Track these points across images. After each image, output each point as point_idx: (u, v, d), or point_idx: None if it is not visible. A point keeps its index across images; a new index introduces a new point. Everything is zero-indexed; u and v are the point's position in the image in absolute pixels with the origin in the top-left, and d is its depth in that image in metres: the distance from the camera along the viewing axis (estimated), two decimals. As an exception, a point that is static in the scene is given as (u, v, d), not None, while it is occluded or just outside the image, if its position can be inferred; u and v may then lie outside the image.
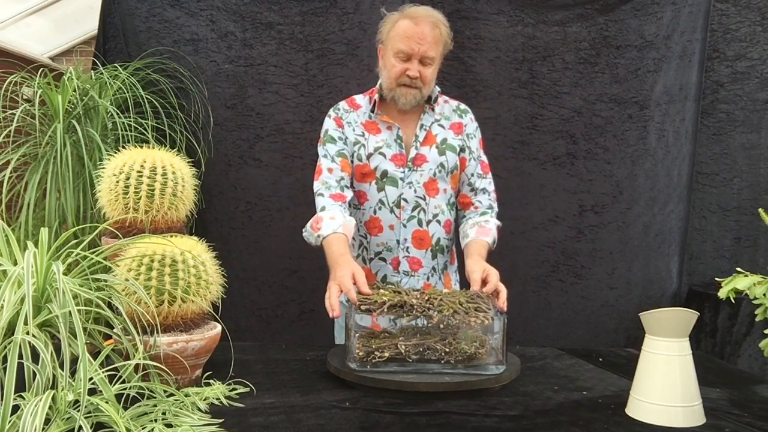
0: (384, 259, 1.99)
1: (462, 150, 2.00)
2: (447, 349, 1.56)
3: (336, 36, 2.75)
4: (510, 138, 2.81)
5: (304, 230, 1.91)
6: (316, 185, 1.94)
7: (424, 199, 1.96)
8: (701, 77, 2.83)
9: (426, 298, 1.62)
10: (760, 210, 1.46)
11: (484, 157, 2.06)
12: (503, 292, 1.68)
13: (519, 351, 1.92)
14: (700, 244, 2.93)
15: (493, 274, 1.70)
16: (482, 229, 1.95)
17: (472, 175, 2.02)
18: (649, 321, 1.39)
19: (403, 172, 1.95)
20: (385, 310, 1.56)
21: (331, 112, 2.03)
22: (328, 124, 2.01)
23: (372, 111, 1.99)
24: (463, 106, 2.07)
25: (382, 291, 1.66)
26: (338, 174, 1.93)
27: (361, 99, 2.05)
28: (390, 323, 1.68)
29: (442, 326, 1.62)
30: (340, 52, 2.76)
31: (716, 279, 1.47)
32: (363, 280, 1.64)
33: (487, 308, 1.59)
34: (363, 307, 1.57)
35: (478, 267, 1.74)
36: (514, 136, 2.81)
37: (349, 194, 1.93)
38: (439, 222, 1.99)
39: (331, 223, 1.82)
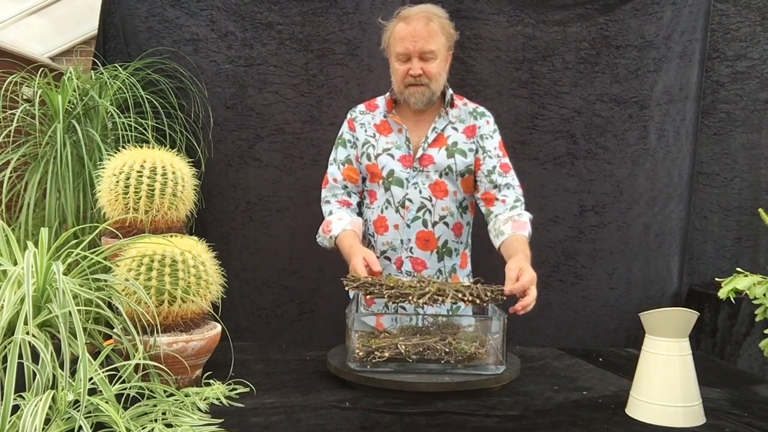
0: (389, 258, 2.00)
1: (476, 152, 1.98)
2: (447, 349, 1.56)
3: (336, 36, 2.75)
4: (510, 138, 2.80)
5: (317, 236, 2.01)
6: (324, 193, 2.05)
7: (431, 201, 1.96)
8: (702, 77, 2.83)
9: (420, 286, 1.62)
10: (761, 210, 1.46)
11: (504, 159, 2.00)
12: (528, 297, 1.59)
13: (519, 351, 1.92)
14: (701, 244, 2.93)
15: (527, 275, 1.61)
16: (517, 223, 1.87)
17: (491, 172, 1.96)
18: (649, 321, 1.39)
19: (409, 172, 1.96)
20: (356, 286, 1.62)
21: (348, 113, 2.09)
22: (343, 127, 2.08)
23: (386, 111, 2.01)
24: (480, 109, 2.04)
25: (390, 278, 1.73)
26: (342, 183, 2.03)
27: (380, 100, 2.07)
28: (391, 323, 1.69)
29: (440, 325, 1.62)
30: (340, 52, 2.76)
31: (716, 279, 1.47)
32: (373, 260, 1.74)
33: (468, 299, 1.56)
34: (345, 283, 1.66)
35: (514, 265, 1.65)
36: (514, 136, 2.81)
37: (354, 200, 2.04)
38: (446, 224, 1.98)
39: (339, 223, 1.93)
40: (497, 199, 1.95)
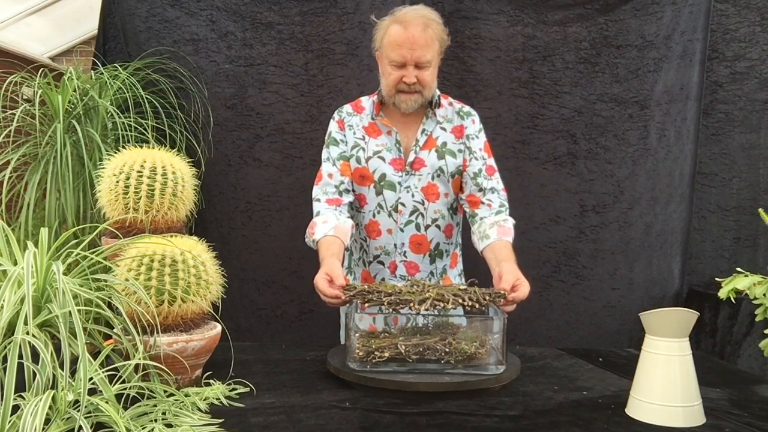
0: (382, 263, 1.99)
1: (464, 152, 1.96)
2: (447, 349, 1.56)
3: (336, 36, 2.75)
4: (510, 138, 2.81)
5: (305, 237, 1.94)
6: (315, 191, 1.97)
7: (423, 204, 1.94)
8: (702, 77, 2.83)
9: (416, 290, 1.62)
10: (760, 210, 1.46)
11: (490, 161, 1.99)
12: (515, 296, 1.64)
13: (519, 351, 1.92)
14: (700, 244, 2.93)
15: (524, 290, 1.66)
16: (503, 229, 1.89)
17: (477, 175, 1.95)
18: (649, 321, 1.39)
19: (401, 176, 1.94)
20: (353, 294, 1.61)
21: (335, 114, 2.03)
22: (332, 127, 2.02)
23: (373, 113, 1.98)
24: (466, 109, 2.02)
25: (384, 284, 1.71)
26: (338, 178, 1.95)
27: (366, 101, 2.03)
28: (387, 322, 1.69)
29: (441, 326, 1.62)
30: (340, 52, 2.76)
31: (716, 279, 1.47)
32: (337, 273, 1.67)
33: (468, 304, 1.58)
34: (342, 292, 1.63)
35: (510, 276, 1.69)
36: (514, 136, 2.81)
37: (347, 198, 1.95)
38: (438, 227, 1.97)
39: (323, 227, 1.85)
40: (482, 203, 1.95)
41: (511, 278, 1.68)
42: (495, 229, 1.88)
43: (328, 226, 1.84)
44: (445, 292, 1.60)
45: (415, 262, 1.97)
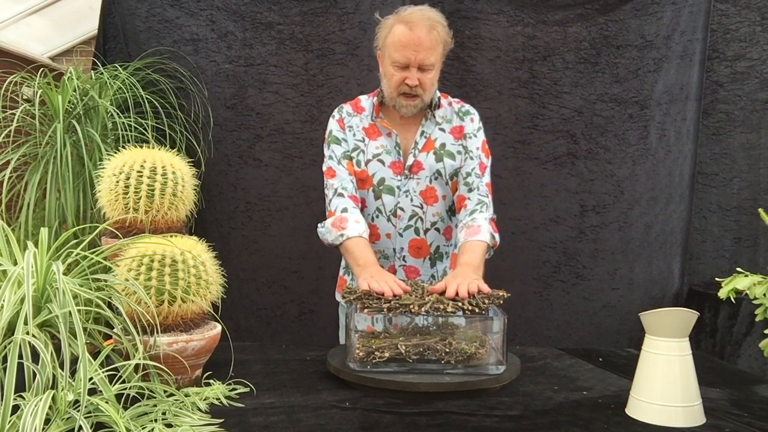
0: (381, 267, 1.97)
1: (461, 153, 1.95)
2: (447, 349, 1.56)
3: (336, 36, 2.75)
4: (510, 138, 2.81)
5: (321, 225, 1.90)
6: (334, 182, 1.91)
7: (422, 208, 1.92)
8: (702, 77, 2.83)
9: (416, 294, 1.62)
10: (760, 210, 1.46)
11: (485, 160, 1.95)
12: (449, 287, 1.61)
13: (519, 351, 1.92)
14: (700, 244, 2.93)
15: (457, 286, 1.61)
16: (470, 229, 1.83)
17: (469, 174, 1.91)
18: (649, 321, 1.39)
19: (400, 180, 1.91)
20: (353, 299, 1.61)
21: (335, 113, 1.99)
22: (332, 125, 1.98)
23: (373, 115, 1.96)
24: (465, 108, 1.98)
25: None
26: (349, 177, 1.92)
27: (365, 101, 1.99)
28: (386, 325, 1.69)
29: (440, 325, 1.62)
30: (340, 52, 2.76)
31: (716, 279, 1.47)
32: (400, 283, 1.67)
33: (468, 308, 1.57)
34: (342, 295, 1.64)
35: (444, 281, 1.66)
36: (514, 136, 2.81)
37: (359, 197, 1.93)
38: (438, 230, 1.96)
39: (356, 226, 1.83)
40: (465, 206, 1.90)
41: (442, 283, 1.64)
42: (463, 233, 1.84)
43: (362, 227, 1.82)
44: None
45: (415, 266, 1.96)
